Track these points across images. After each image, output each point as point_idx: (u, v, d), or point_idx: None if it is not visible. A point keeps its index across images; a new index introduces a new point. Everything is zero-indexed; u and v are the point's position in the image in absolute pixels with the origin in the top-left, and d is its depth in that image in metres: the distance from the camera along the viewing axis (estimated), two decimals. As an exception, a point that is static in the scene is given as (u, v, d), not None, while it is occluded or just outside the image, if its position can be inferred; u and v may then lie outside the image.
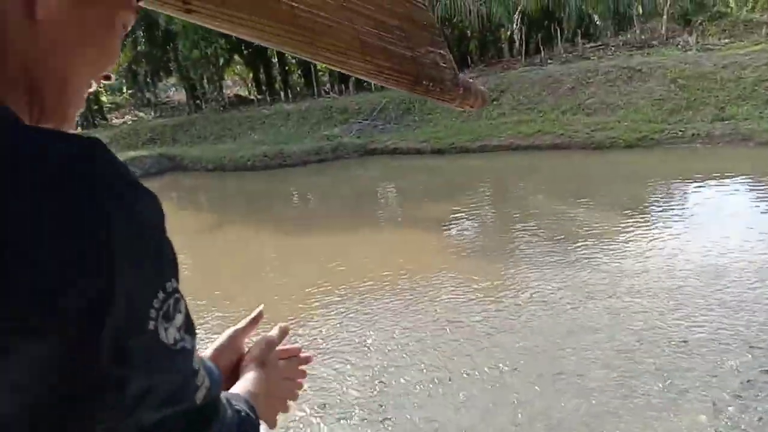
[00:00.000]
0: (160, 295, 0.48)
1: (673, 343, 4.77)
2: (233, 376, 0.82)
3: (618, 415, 3.92)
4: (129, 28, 0.63)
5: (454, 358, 4.97)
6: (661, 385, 4.18)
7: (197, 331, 0.56)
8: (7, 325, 0.42)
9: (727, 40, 19.10)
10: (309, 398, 4.43)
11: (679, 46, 19.50)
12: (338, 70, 1.14)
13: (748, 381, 4.12)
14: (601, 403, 4.07)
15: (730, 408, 3.85)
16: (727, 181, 10.12)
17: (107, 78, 0.63)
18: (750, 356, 4.44)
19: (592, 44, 22.91)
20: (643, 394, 4.11)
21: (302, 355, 0.92)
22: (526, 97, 18.41)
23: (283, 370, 0.88)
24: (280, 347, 0.90)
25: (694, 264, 6.42)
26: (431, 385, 4.58)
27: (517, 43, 25.01)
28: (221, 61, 25.79)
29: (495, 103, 17.89)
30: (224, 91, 27.55)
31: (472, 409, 4.22)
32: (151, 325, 0.47)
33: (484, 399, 4.33)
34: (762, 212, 8.34)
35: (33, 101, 0.54)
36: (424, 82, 1.25)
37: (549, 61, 21.62)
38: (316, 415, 4.32)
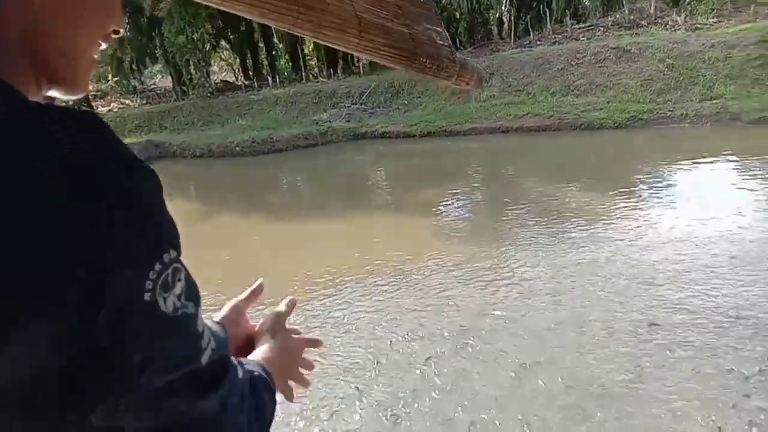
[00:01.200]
0: (157, 266, 0.49)
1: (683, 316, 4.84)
2: (241, 349, 0.84)
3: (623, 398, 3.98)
4: None
5: (448, 338, 5.01)
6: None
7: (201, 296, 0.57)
8: (9, 307, 0.43)
9: (715, 20, 19.13)
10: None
11: (668, 26, 19.51)
12: (336, 47, 1.12)
13: None
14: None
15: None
16: (716, 159, 10.20)
17: (117, 32, 0.62)
18: None
19: (581, 25, 22.85)
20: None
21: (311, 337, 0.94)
22: (516, 79, 18.38)
23: (296, 341, 0.89)
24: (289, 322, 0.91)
25: (693, 241, 6.50)
26: (425, 367, 4.62)
27: (506, 25, 24.93)
28: (207, 46, 25.42)
29: (484, 85, 17.84)
30: (211, 77, 27.21)
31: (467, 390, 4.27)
32: (148, 296, 0.48)
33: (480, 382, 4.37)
34: (749, 190, 8.41)
35: (39, 71, 0.54)
36: (421, 59, 1.23)
37: (538, 43, 21.57)
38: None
